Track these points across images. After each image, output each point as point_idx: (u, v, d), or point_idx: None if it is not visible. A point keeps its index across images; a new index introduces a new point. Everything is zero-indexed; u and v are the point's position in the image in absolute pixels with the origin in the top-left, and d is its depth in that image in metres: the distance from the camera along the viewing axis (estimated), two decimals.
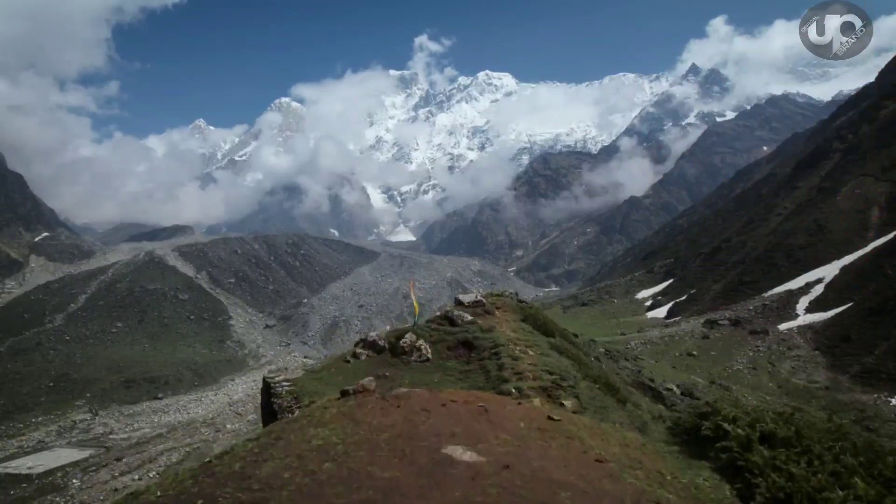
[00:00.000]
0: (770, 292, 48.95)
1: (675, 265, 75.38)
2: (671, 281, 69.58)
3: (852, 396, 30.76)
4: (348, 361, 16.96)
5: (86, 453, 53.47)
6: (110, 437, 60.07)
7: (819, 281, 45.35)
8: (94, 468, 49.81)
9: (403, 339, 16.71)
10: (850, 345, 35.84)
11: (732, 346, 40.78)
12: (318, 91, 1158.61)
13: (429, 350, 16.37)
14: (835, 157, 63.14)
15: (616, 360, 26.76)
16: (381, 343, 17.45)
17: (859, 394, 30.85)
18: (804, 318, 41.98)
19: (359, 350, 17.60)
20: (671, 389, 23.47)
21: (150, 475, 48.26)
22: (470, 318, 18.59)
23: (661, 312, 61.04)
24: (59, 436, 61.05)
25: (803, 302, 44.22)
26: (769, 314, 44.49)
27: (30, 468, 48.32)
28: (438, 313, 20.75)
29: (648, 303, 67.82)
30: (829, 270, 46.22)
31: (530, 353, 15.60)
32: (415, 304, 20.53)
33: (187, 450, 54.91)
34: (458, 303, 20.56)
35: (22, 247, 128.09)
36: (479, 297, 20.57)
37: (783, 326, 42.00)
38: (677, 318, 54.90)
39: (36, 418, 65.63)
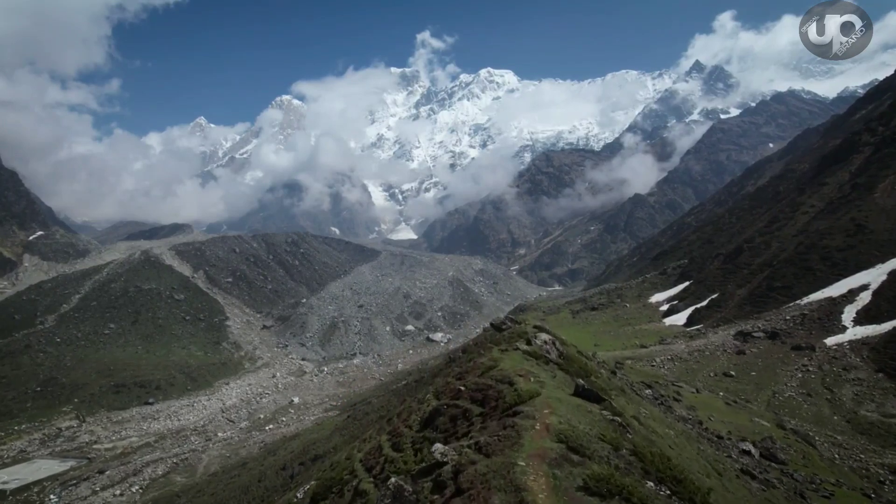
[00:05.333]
0: (806, 299, 43.82)
1: (690, 267, 70.91)
2: (687, 284, 64.96)
3: None
4: None
5: (66, 465, 50.53)
6: (94, 446, 57.11)
7: (864, 287, 40.28)
8: (73, 482, 46.89)
9: None
10: None
11: (775, 365, 35.36)
12: (319, 88, 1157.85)
13: None
14: (865, 150, 58.89)
15: (669, 408, 22.28)
16: None
17: None
18: (854, 332, 36.45)
19: None
20: (749, 452, 19.35)
21: (133, 489, 45.40)
22: None
23: (679, 319, 56.50)
24: (42, 444, 58.15)
25: (849, 312, 38.82)
26: (811, 326, 38.95)
27: (4, 483, 45.29)
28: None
29: (664, 307, 63.24)
30: (875, 275, 41.28)
31: None
32: None
33: (174, 461, 52.01)
34: None
35: (16, 245, 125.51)
36: None
37: (831, 341, 36.43)
38: (699, 327, 50.42)
39: (20, 426, 62.67)
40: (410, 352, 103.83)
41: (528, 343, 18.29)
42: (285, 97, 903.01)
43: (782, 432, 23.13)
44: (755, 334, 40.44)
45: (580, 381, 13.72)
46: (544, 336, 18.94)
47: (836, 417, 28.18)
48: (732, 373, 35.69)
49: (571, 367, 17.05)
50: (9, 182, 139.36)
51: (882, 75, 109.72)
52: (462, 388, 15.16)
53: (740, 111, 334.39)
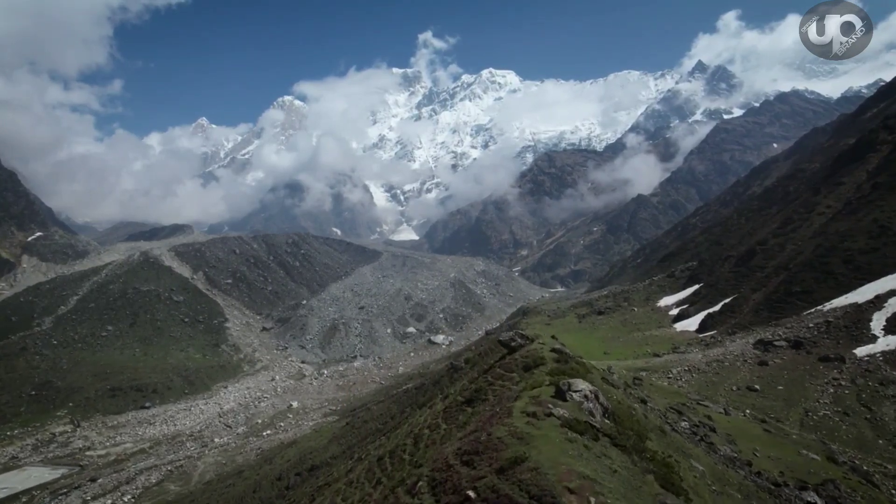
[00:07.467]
0: (829, 305, 41.43)
1: (699, 269, 68.90)
2: (697, 287, 63.47)
3: None
4: None
5: (58, 473, 49.18)
6: (87, 453, 55.74)
7: (893, 293, 37.59)
8: (64, 490, 45.53)
9: None
10: None
11: (803, 378, 32.73)
12: (321, 89, 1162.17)
13: None
14: (883, 149, 57.04)
15: (711, 444, 19.64)
16: None
17: None
18: (887, 342, 33.43)
19: None
20: None
21: (125, 499, 43.99)
22: None
23: (691, 324, 54.40)
24: (34, 450, 56.85)
25: (878, 319, 35.90)
26: (837, 334, 36.23)
27: None
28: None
29: (674, 312, 61.09)
30: None
31: None
32: None
33: (169, 468, 50.59)
34: None
35: (14, 246, 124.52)
36: None
37: (861, 352, 33.51)
38: (713, 333, 48.26)
39: (12, 431, 61.42)
40: (412, 354, 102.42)
41: (560, 394, 13.79)
42: (287, 98, 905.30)
43: (838, 469, 20.75)
44: (777, 343, 37.99)
45: None
46: (584, 387, 14.10)
47: (881, 441, 25.51)
48: (757, 387, 33.18)
49: (628, 439, 12.99)
50: (8, 182, 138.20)
51: (886, 75, 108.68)
52: (472, 493, 10.55)
53: (743, 111, 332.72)
